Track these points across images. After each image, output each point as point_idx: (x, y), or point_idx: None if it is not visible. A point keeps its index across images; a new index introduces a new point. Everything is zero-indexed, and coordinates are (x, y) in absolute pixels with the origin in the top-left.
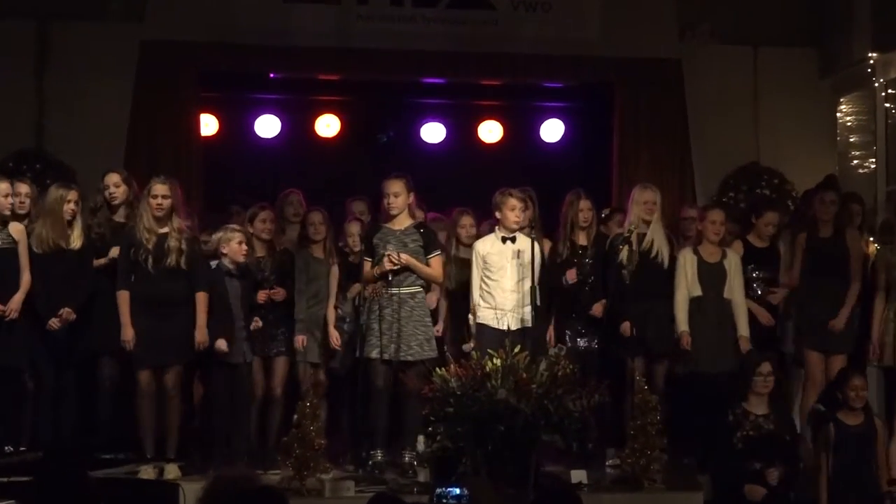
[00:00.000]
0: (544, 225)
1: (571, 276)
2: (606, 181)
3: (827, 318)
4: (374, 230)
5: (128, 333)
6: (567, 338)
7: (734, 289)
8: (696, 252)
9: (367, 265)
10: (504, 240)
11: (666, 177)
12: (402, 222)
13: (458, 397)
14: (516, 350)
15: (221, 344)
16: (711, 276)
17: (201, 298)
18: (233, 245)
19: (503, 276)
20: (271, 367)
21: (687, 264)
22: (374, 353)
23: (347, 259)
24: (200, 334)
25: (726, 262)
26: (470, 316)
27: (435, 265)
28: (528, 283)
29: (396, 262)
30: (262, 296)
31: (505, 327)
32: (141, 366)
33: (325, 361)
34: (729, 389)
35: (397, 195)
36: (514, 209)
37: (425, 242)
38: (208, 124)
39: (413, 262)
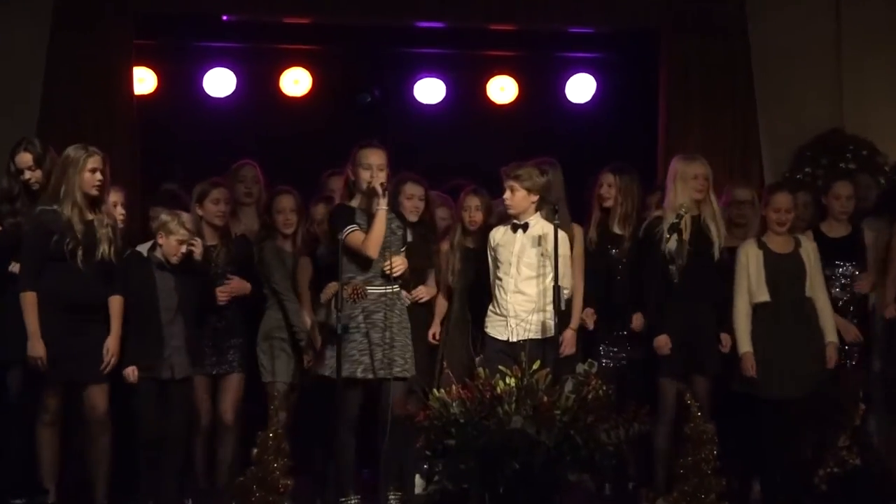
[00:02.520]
0: (572, 208)
1: (589, 316)
2: (650, 153)
3: None
4: (346, 211)
5: (38, 347)
6: (599, 351)
7: (815, 285)
8: (761, 245)
9: (360, 234)
10: (515, 227)
11: (726, 148)
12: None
13: (461, 426)
14: (535, 366)
15: (130, 373)
16: (784, 270)
17: (117, 304)
18: (171, 242)
19: (506, 275)
20: (221, 386)
21: (750, 261)
22: (361, 372)
23: (315, 250)
24: (114, 344)
25: (802, 252)
26: (486, 320)
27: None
28: (544, 281)
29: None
30: (223, 296)
31: (505, 338)
32: (54, 380)
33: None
34: (809, 415)
35: (382, 169)
36: (504, 192)
37: (403, 232)
38: (144, 80)
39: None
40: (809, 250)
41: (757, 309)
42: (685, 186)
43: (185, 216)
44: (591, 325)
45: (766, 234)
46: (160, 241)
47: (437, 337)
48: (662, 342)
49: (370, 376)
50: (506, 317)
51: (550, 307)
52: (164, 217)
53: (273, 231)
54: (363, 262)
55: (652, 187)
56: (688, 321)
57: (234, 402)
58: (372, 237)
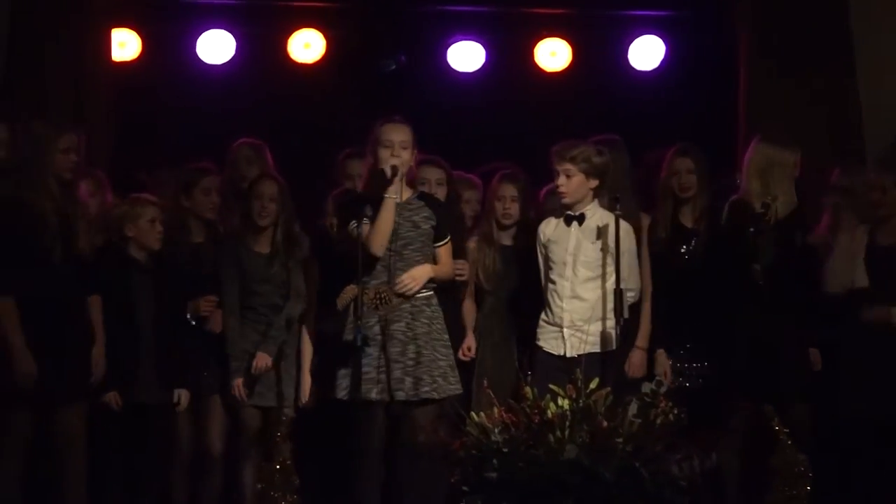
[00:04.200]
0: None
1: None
2: (728, 129)
3: None
4: (355, 200)
5: (27, 363)
6: (669, 365)
7: None
8: (871, 232)
9: (366, 229)
10: (568, 220)
11: (818, 122)
12: (404, 193)
13: (504, 457)
14: (592, 385)
15: (112, 399)
16: (890, 264)
17: (98, 305)
18: (142, 224)
19: (560, 276)
20: (205, 410)
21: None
22: (375, 394)
23: (330, 249)
24: (101, 353)
25: None
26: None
27: (444, 257)
28: (605, 283)
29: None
30: (206, 305)
31: (561, 352)
32: (22, 403)
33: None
34: None
35: (405, 147)
36: (557, 175)
37: (438, 221)
38: (126, 44)
39: (431, 271)
40: None
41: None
42: (783, 176)
43: (143, 195)
44: (667, 376)
45: (885, 222)
46: (129, 233)
47: (472, 351)
48: (816, 357)
49: (387, 398)
50: (560, 327)
51: (612, 314)
52: (122, 208)
53: (248, 224)
54: (370, 263)
55: (730, 170)
56: (772, 332)
57: (221, 431)
58: (374, 232)
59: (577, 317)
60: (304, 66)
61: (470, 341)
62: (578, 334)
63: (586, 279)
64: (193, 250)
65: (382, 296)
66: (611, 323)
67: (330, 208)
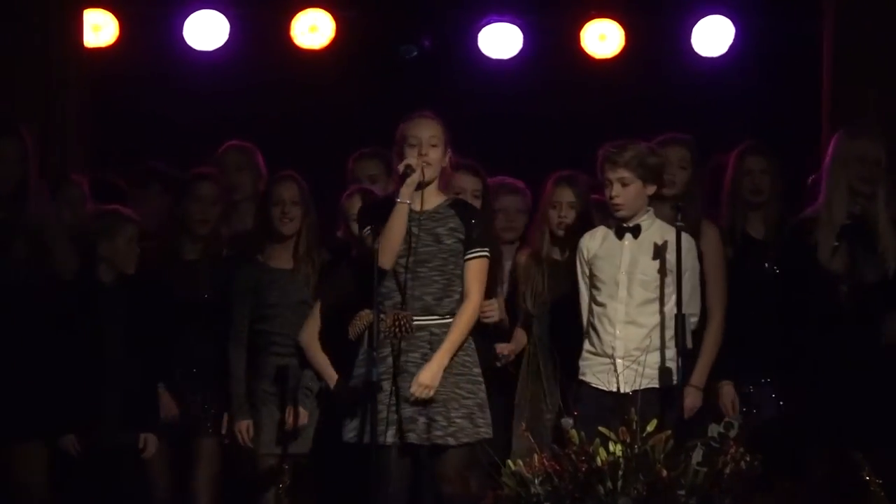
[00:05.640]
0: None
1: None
2: (808, 126)
3: None
4: (378, 207)
5: None
6: (742, 398)
7: None
8: None
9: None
10: (621, 232)
11: None
12: (432, 199)
13: None
14: (650, 428)
15: (70, 444)
16: None
17: None
18: (118, 244)
19: (612, 298)
20: (192, 454)
21: None
22: (391, 437)
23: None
24: None
25: None
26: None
27: (474, 272)
28: (665, 306)
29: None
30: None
31: (613, 388)
32: None
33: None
34: None
35: (434, 144)
36: (609, 185)
37: (468, 232)
38: (101, 27)
39: (443, 359)
40: None
41: None
42: (845, 173)
43: (122, 209)
44: (731, 410)
45: None
46: (103, 253)
47: (508, 352)
48: None
49: (408, 439)
50: (611, 358)
51: (672, 343)
52: (98, 222)
53: (262, 237)
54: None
55: (810, 175)
56: (861, 366)
57: (210, 476)
58: (381, 242)
59: (632, 346)
60: (309, 52)
61: (510, 347)
62: (634, 366)
63: (644, 301)
64: (186, 269)
65: (403, 322)
66: (671, 353)
67: (344, 214)
